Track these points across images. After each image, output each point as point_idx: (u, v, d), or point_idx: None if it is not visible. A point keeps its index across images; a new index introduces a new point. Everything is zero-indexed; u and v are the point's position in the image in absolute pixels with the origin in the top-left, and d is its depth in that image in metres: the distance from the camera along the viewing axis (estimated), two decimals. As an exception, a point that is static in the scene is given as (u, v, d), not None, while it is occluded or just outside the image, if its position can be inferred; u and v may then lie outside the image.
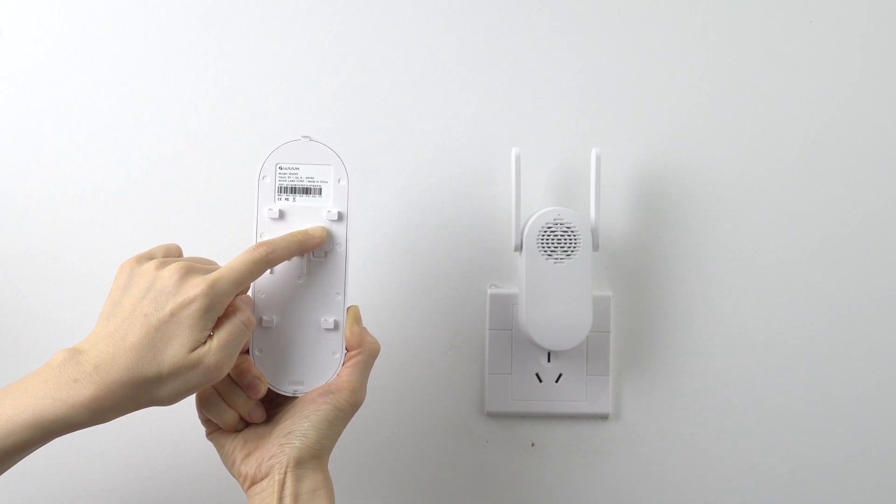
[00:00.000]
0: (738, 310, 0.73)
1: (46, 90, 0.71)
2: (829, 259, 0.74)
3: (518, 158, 0.68)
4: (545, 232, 0.67)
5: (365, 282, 0.72)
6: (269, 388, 0.59)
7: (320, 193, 0.60)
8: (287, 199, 0.60)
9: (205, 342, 0.53)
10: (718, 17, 0.73)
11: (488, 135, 0.72)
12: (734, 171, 0.73)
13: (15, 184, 0.71)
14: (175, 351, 0.51)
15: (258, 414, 0.58)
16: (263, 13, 0.72)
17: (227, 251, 0.71)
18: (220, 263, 0.56)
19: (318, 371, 0.59)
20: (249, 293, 0.59)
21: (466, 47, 0.72)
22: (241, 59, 0.72)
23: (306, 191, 0.60)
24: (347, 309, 0.60)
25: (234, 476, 0.58)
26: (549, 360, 0.72)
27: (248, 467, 0.56)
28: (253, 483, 0.56)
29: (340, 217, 0.60)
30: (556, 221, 0.67)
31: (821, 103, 0.73)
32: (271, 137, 0.71)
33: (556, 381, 0.72)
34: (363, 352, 0.59)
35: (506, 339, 0.72)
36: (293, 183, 0.60)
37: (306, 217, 0.59)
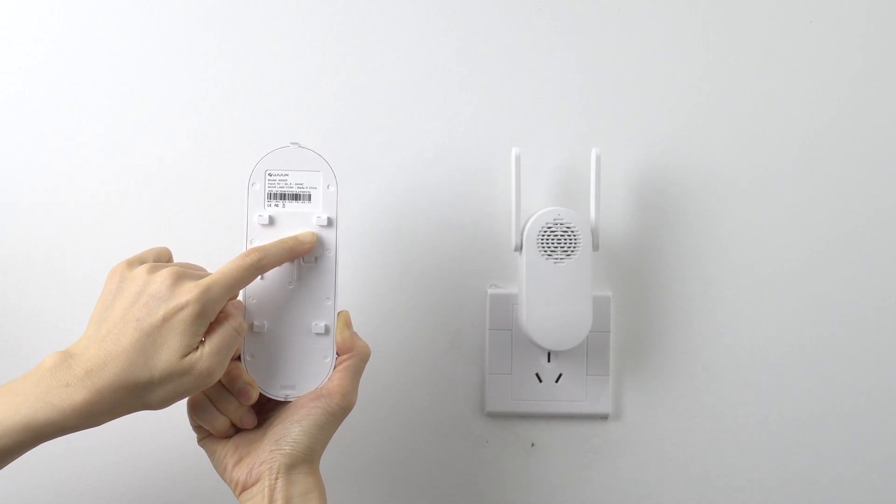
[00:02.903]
0: (738, 310, 0.73)
1: (46, 90, 0.71)
2: (830, 259, 0.74)
3: (518, 158, 0.68)
4: (545, 232, 0.67)
5: (365, 282, 0.72)
6: (260, 394, 0.59)
7: (310, 199, 0.60)
8: (277, 206, 0.60)
9: (197, 348, 0.53)
10: (718, 17, 0.73)
11: (488, 135, 0.72)
12: (734, 171, 0.73)
13: (14, 184, 0.71)
14: (167, 356, 0.51)
15: (249, 420, 0.58)
16: (263, 13, 0.72)
17: (227, 252, 0.71)
18: (216, 266, 0.56)
19: (309, 376, 0.59)
20: (240, 298, 0.59)
21: (466, 47, 0.72)
22: (241, 60, 0.72)
23: (296, 197, 0.60)
24: (338, 314, 0.60)
25: (225, 482, 0.58)
26: (549, 360, 0.72)
27: (240, 473, 0.56)
28: (244, 489, 0.56)
29: (330, 223, 0.60)
30: (556, 221, 0.67)
31: (821, 103, 0.73)
32: (271, 138, 0.71)
33: (556, 381, 0.72)
34: (354, 356, 0.59)
35: (506, 339, 0.72)
36: (283, 189, 0.60)
37: (296, 223, 0.60)
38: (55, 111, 0.71)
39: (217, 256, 0.71)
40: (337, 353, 0.59)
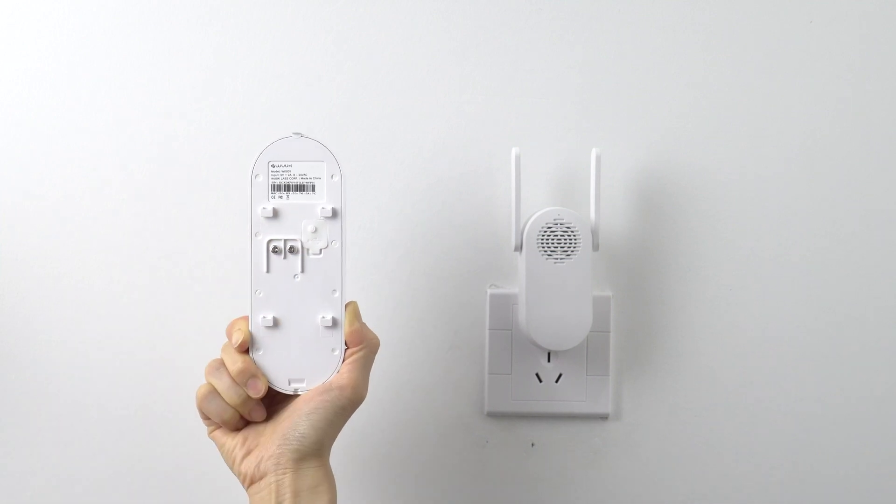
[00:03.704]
0: (738, 310, 0.73)
1: (46, 89, 0.71)
2: (830, 258, 0.74)
3: (518, 158, 0.68)
4: (545, 232, 0.67)
5: (365, 282, 0.72)
6: (269, 387, 0.59)
7: (314, 190, 0.60)
8: (281, 197, 0.59)
9: None
10: (718, 17, 0.73)
11: (488, 135, 0.72)
12: (734, 171, 0.73)
13: (13, 184, 0.71)
14: None
15: (258, 413, 0.59)
16: (263, 13, 0.72)
17: (228, 251, 0.71)
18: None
19: (318, 369, 0.59)
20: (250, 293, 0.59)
21: (466, 47, 0.72)
22: (241, 59, 0.72)
23: (300, 188, 0.60)
24: (346, 305, 0.60)
25: (234, 475, 0.58)
26: (549, 360, 0.72)
27: (248, 466, 0.56)
28: (252, 482, 0.56)
29: (335, 213, 0.59)
30: (556, 221, 0.67)
31: (821, 103, 0.73)
32: (271, 137, 0.71)
33: (556, 381, 0.72)
34: (363, 348, 0.59)
35: (506, 339, 0.72)
36: (286, 181, 0.60)
37: (300, 214, 0.59)
38: (54, 109, 0.71)
39: (220, 252, 0.71)
40: (346, 345, 0.59)
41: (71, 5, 0.71)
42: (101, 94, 0.72)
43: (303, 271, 0.59)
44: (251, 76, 0.72)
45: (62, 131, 0.71)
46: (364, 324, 0.60)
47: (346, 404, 0.57)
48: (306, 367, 0.59)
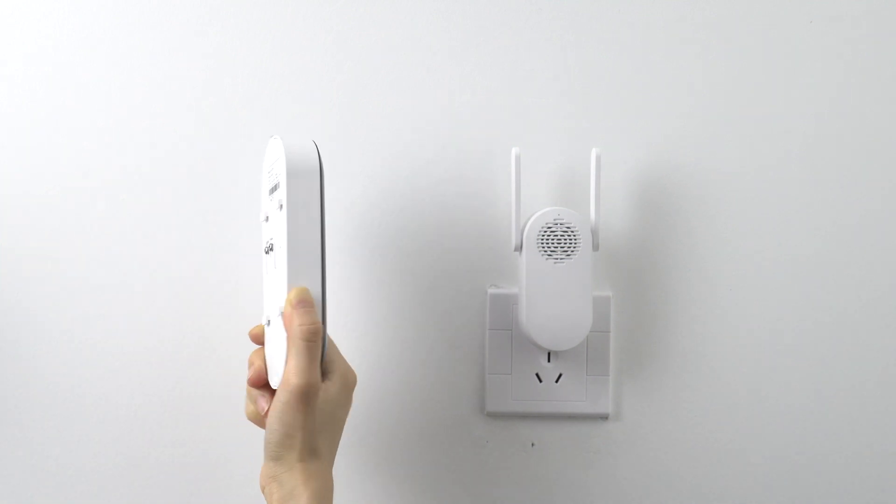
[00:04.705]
0: (739, 309, 0.73)
1: (46, 88, 0.71)
2: (830, 258, 0.74)
3: (518, 158, 0.68)
4: (545, 232, 0.67)
5: (365, 282, 0.72)
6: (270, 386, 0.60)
7: (279, 188, 0.59)
8: (270, 201, 0.61)
9: None
10: (718, 17, 0.73)
11: (488, 135, 0.72)
12: (734, 171, 0.73)
13: (13, 184, 0.71)
14: None
15: (261, 404, 0.59)
16: (263, 13, 0.72)
17: (229, 250, 0.71)
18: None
19: (280, 363, 0.58)
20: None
21: (466, 47, 0.72)
22: (241, 59, 0.72)
23: (275, 188, 0.60)
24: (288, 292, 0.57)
25: None
26: (549, 360, 0.72)
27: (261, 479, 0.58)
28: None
29: (281, 206, 0.57)
30: (556, 221, 0.67)
31: (821, 103, 0.73)
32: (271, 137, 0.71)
33: (556, 381, 0.72)
34: (290, 335, 0.56)
35: (506, 339, 0.72)
36: (271, 184, 0.61)
37: (273, 214, 0.60)
38: (54, 109, 0.71)
39: (221, 252, 0.71)
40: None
41: (71, 5, 0.71)
42: (101, 93, 0.72)
43: (275, 268, 0.60)
44: (251, 76, 0.72)
45: (62, 131, 0.71)
46: (300, 309, 0.55)
47: (289, 397, 0.54)
48: (277, 363, 0.59)
